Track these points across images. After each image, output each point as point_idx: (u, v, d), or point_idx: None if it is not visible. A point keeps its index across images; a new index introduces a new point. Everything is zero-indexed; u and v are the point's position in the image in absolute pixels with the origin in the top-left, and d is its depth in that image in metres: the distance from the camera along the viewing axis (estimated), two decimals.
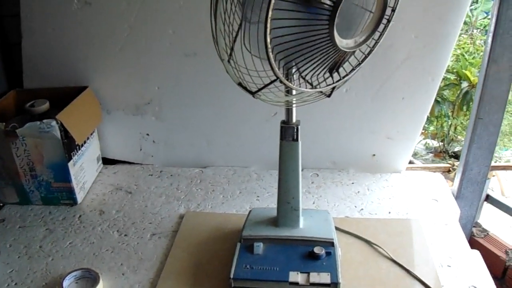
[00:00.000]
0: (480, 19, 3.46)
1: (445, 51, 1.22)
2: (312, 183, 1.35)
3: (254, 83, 0.82)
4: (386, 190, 1.31)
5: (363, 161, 1.39)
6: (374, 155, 1.38)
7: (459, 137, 1.78)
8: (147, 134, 1.43)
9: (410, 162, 1.69)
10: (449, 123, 1.75)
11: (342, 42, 0.78)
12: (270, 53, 0.74)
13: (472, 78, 1.73)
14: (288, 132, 1.00)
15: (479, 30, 3.39)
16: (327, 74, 0.87)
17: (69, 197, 1.28)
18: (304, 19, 0.74)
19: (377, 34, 0.84)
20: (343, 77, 0.89)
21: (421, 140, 1.80)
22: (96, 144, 1.40)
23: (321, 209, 1.17)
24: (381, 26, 0.83)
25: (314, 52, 0.78)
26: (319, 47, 0.77)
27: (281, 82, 0.80)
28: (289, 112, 0.99)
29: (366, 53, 0.88)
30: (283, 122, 1.00)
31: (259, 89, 0.83)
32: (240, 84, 0.83)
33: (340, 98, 1.30)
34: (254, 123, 1.36)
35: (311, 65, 0.82)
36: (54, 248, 1.14)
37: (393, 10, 0.83)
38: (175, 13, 1.24)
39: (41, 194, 1.28)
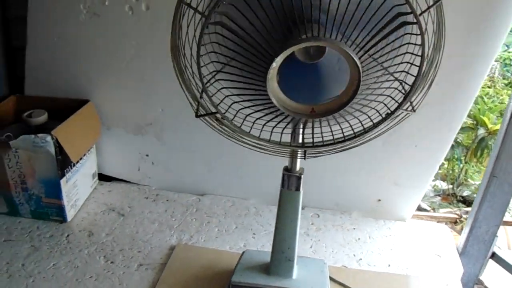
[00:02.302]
0: (500, 52, 3.36)
1: (465, 101, 1.16)
2: (311, 224, 1.29)
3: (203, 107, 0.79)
4: (388, 240, 1.25)
5: (368, 205, 1.33)
6: (379, 200, 1.32)
7: (469, 180, 1.71)
8: (147, 155, 1.38)
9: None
10: (461, 166, 1.68)
11: (287, 105, 0.73)
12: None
13: (490, 125, 1.65)
14: (290, 181, 0.94)
15: (498, 62, 3.28)
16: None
17: (59, 214, 1.23)
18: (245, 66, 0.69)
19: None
20: (315, 145, 0.82)
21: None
22: (93, 160, 1.35)
23: (318, 258, 1.11)
24: (376, 117, 0.77)
25: (257, 102, 0.73)
26: (261, 101, 0.73)
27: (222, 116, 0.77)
28: (293, 158, 0.93)
29: (345, 135, 0.81)
30: (285, 169, 0.95)
31: (202, 115, 0.79)
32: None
33: None
34: (259, 155, 1.30)
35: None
36: (36, 269, 1.09)
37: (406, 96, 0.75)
38: None
39: (31, 208, 1.23)
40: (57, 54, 1.28)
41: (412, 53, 0.71)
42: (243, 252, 1.09)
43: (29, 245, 1.16)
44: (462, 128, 1.62)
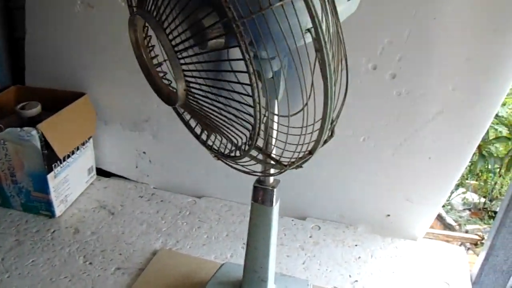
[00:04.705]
0: None
1: (486, 111, 1.02)
2: (310, 237, 1.19)
3: None
4: (392, 261, 1.13)
5: (375, 220, 1.21)
6: (388, 215, 1.20)
7: (504, 195, 1.54)
8: (144, 152, 1.32)
9: (439, 217, 1.48)
10: (494, 180, 1.52)
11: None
12: None
13: None
14: (261, 195, 0.85)
15: None
16: None
17: (47, 209, 1.20)
18: None
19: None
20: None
21: (460, 193, 1.59)
22: (89, 154, 1.30)
23: (301, 278, 1.01)
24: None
25: None
26: None
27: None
28: (265, 170, 0.84)
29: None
30: (257, 181, 0.86)
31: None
32: None
33: (357, 147, 1.13)
34: None
35: None
36: (14, 264, 1.06)
37: None
38: None
39: (21, 201, 1.21)
40: (55, 46, 1.25)
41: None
42: (222, 265, 1.01)
43: (14, 238, 1.14)
44: (497, 138, 1.46)
